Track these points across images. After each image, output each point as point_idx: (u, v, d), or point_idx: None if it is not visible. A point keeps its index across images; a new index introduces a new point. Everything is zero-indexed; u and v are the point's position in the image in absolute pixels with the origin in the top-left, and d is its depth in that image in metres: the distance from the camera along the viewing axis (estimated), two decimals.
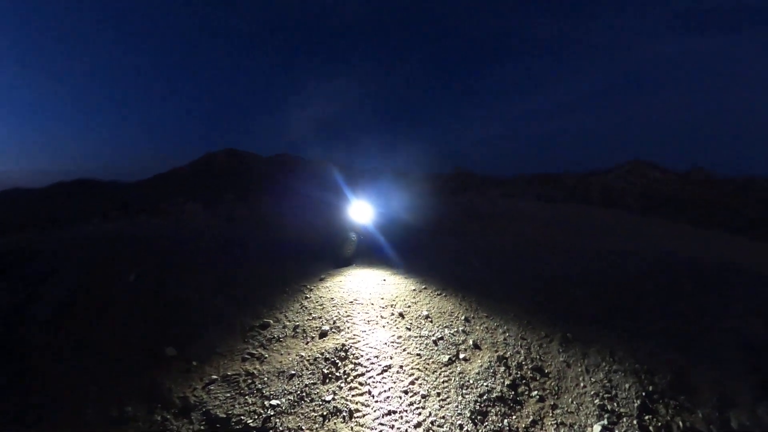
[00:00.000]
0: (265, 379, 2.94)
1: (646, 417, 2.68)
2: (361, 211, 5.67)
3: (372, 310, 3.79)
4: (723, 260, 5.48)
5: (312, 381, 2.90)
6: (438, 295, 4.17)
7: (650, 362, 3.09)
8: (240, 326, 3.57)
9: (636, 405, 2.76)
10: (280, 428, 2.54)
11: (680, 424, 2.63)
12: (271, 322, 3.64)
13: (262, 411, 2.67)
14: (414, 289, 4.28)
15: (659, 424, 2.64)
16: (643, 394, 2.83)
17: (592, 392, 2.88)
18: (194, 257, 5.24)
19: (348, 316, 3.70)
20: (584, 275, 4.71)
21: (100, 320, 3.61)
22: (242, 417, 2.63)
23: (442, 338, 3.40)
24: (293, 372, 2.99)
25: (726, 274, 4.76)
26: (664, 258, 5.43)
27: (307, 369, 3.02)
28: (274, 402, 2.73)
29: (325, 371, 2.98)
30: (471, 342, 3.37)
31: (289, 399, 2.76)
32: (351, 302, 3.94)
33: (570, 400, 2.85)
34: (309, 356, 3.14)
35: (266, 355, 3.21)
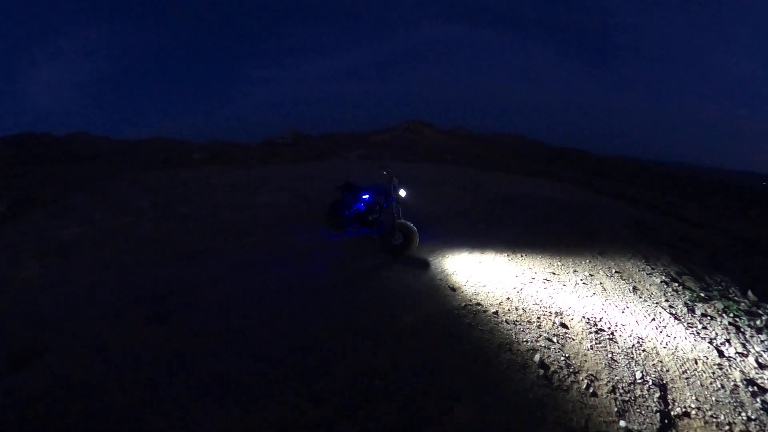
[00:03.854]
0: None
1: (660, 267, 5.44)
2: (403, 193, 5.19)
3: (541, 287, 4.29)
4: (563, 196, 9.99)
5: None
6: (521, 257, 5.27)
7: (631, 250, 5.94)
8: None
9: (657, 262, 5.48)
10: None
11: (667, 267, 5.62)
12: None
13: None
14: (506, 262, 5.13)
15: (666, 265, 5.43)
16: (649, 261, 5.60)
17: (640, 269, 5.18)
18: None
19: (539, 301, 3.99)
20: (532, 217, 7.32)
21: None
22: None
23: (582, 280, 4.71)
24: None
25: (575, 204, 8.97)
26: (539, 197, 9.17)
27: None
28: None
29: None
30: (587, 273, 4.93)
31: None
32: (508, 298, 3.98)
33: (641, 274, 5.01)
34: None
35: None
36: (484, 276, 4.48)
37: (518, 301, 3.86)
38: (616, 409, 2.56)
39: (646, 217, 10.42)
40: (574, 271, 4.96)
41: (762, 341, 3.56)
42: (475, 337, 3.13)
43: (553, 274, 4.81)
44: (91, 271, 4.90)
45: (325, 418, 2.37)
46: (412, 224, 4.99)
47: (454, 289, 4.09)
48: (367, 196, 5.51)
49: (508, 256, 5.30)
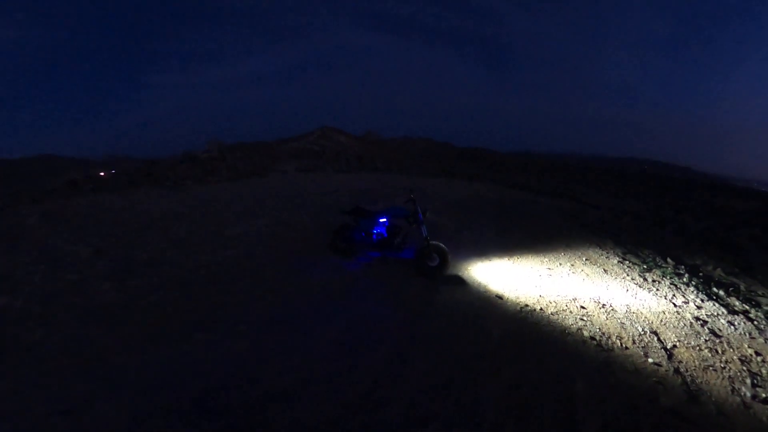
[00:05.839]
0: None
1: (611, 251, 7.51)
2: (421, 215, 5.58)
3: (549, 281, 5.81)
4: (496, 194, 12.10)
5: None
6: (519, 259, 6.80)
7: (585, 240, 8.00)
8: None
9: (606, 247, 7.53)
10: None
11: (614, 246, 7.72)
12: None
13: None
14: (511, 265, 6.58)
15: (612, 248, 7.55)
16: (602, 248, 7.66)
17: (600, 255, 7.21)
18: None
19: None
20: (495, 221, 9.10)
21: None
22: None
23: (570, 270, 6.38)
24: None
25: (513, 203, 11.07)
26: (482, 199, 11.10)
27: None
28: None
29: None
30: (569, 264, 6.64)
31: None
32: (540, 296, 5.66)
33: (602, 259, 7.00)
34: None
35: None
36: (510, 281, 5.79)
37: (547, 297, 5.25)
38: (642, 353, 4.03)
39: (567, 206, 13.24)
40: (560, 264, 6.64)
41: (692, 291, 5.57)
42: (545, 332, 4.33)
43: (549, 269, 6.39)
44: (51, 375, 3.12)
45: None
46: (443, 244, 5.46)
47: (500, 297, 4.99)
48: (384, 220, 5.72)
49: (509, 259, 6.75)
